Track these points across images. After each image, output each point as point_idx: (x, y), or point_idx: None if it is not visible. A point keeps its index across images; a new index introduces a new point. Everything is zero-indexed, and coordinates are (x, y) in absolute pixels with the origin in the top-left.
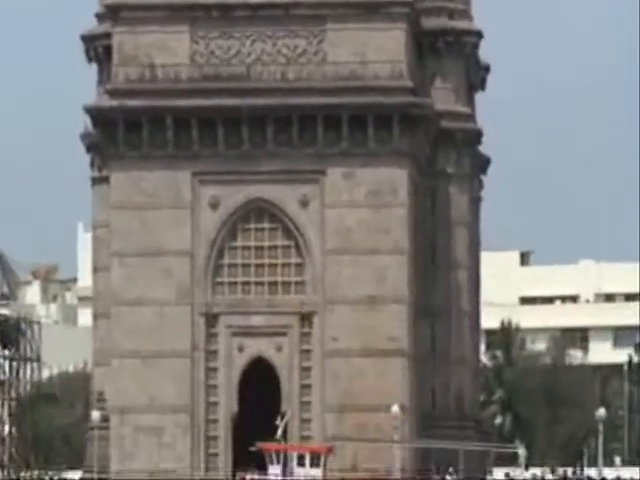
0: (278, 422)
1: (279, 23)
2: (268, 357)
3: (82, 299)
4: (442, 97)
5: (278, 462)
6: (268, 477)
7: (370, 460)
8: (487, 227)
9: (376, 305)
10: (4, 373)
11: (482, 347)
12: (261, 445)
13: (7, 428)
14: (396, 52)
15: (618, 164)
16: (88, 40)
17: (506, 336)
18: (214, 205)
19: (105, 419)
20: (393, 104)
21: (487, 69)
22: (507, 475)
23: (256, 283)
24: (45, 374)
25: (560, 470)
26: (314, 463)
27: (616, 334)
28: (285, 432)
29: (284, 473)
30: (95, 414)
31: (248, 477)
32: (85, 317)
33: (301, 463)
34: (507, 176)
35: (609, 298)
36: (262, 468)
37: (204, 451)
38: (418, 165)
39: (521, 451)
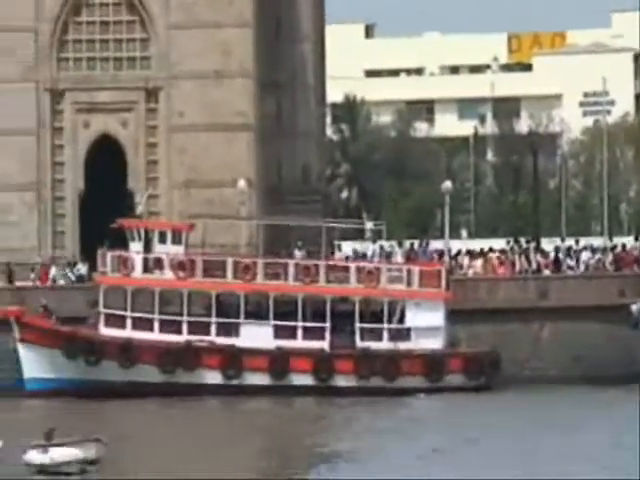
0: (138, 199)
1: None
2: (114, 133)
3: None
4: None
5: (139, 239)
6: (130, 254)
7: (218, 236)
8: None
9: (222, 79)
10: None
11: (328, 121)
12: (122, 222)
13: None
14: None
15: None
16: None
17: (351, 109)
18: None
19: None
20: None
21: None
22: (355, 252)
23: (101, 59)
24: None
25: (407, 243)
26: (176, 240)
27: (461, 106)
28: (132, 209)
29: (145, 250)
30: None
31: (110, 254)
32: None
33: (162, 240)
34: None
35: (454, 70)
36: (118, 246)
37: (51, 229)
38: None
39: (370, 225)
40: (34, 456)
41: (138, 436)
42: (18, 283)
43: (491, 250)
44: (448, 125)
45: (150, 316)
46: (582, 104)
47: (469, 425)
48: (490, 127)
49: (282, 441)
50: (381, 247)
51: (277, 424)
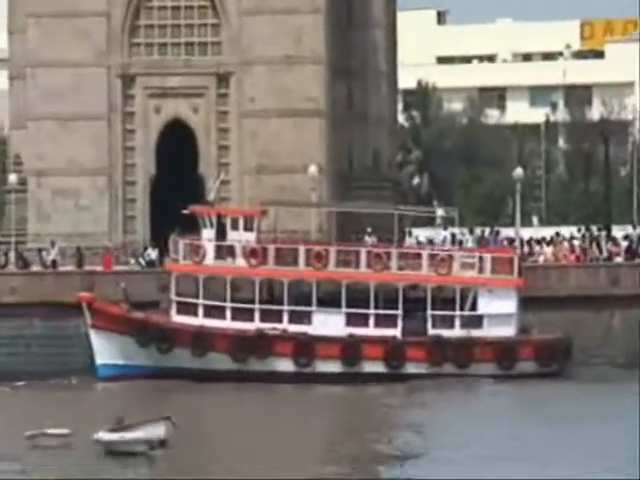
0: (210, 185)
1: None
2: (185, 118)
3: None
4: None
5: (212, 226)
6: (202, 241)
7: (288, 222)
8: None
9: (293, 65)
10: None
11: (399, 107)
12: (194, 208)
13: None
14: None
15: None
16: None
17: (423, 96)
18: None
19: (23, 182)
20: None
21: None
22: (417, 240)
23: (173, 44)
24: None
25: (478, 230)
26: (247, 227)
27: (533, 93)
28: (203, 195)
29: (217, 236)
30: (12, 177)
31: (182, 241)
32: (1, 79)
33: (235, 227)
34: None
35: (526, 57)
36: (189, 231)
37: (122, 214)
38: None
39: (441, 212)
40: (103, 435)
41: (207, 422)
42: (87, 267)
43: (558, 236)
44: (520, 112)
45: (222, 304)
46: None
47: (541, 415)
48: (562, 114)
49: (352, 432)
50: (452, 234)
51: (348, 412)
